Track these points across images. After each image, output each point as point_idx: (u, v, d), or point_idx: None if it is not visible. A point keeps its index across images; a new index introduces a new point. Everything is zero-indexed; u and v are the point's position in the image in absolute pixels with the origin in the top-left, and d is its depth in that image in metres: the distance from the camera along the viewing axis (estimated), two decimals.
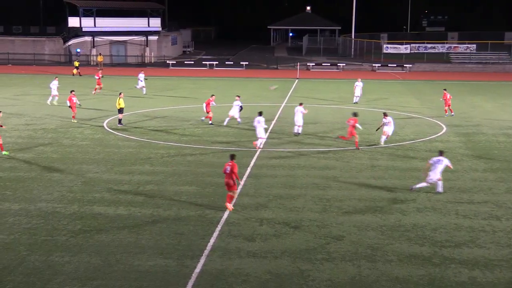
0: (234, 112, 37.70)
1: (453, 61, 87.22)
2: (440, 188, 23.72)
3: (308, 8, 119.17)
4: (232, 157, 21.45)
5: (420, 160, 29.00)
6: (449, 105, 42.59)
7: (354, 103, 48.24)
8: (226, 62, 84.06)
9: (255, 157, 29.46)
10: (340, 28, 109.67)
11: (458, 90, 57.59)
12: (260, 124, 31.32)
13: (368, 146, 32.16)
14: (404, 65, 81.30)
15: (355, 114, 31.75)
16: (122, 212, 21.13)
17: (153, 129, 36.38)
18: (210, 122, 38.00)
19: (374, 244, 18.48)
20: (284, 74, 73.17)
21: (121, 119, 37.33)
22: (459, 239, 18.95)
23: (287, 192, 23.70)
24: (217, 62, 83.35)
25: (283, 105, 47.32)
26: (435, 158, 23.74)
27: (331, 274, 16.41)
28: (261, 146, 31.63)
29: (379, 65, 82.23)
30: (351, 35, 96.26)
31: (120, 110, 37.28)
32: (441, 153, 24.14)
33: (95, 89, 52.17)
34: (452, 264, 17.06)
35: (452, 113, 42.43)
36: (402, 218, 20.77)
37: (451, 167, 24.23)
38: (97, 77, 52.91)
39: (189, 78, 69.18)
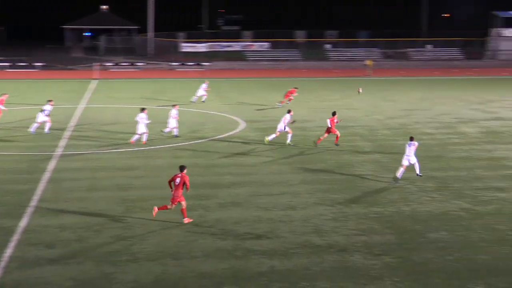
0: (41, 118, 35.54)
1: (248, 59, 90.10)
2: (418, 170, 25.47)
3: (105, 7, 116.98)
4: (182, 168, 20.22)
5: (222, 156, 29.70)
6: (288, 99, 46.19)
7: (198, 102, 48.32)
8: (20, 64, 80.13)
9: (55, 161, 28.45)
10: (138, 27, 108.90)
11: (253, 87, 59.79)
12: (142, 120, 31.78)
13: (171, 145, 32.33)
14: (202, 64, 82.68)
15: (333, 113, 32.09)
16: None
17: None
18: None
19: (179, 241, 18.63)
20: (82, 75, 71.34)
21: None
22: (260, 230, 19.68)
23: (89, 195, 23.18)
24: (9, 64, 79.23)
25: (83, 106, 46.12)
26: (408, 143, 25.34)
27: (136, 274, 16.32)
28: (145, 140, 32.15)
29: (178, 64, 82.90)
30: (149, 34, 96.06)
31: None
32: (411, 138, 25.64)
33: None
34: (253, 255, 17.68)
35: (280, 105, 45.69)
36: (205, 214, 21.13)
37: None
38: None
39: None
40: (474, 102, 49.42)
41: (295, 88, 47.76)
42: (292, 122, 32.79)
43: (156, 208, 20.20)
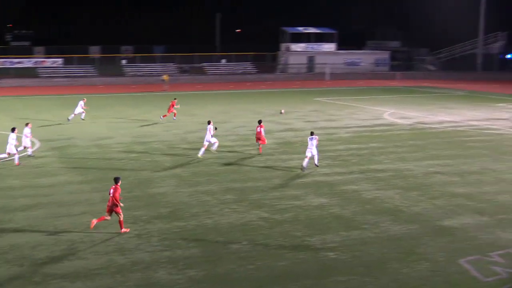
0: None
1: (41, 75, 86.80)
2: (316, 161, 30.33)
3: None
4: (116, 180, 20.89)
5: (15, 178, 28.24)
6: (172, 112, 47.21)
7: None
8: None
9: None
10: None
11: (48, 105, 57.67)
12: (12, 140, 30.91)
13: None
14: None
15: (260, 122, 34.75)
16: None
17: None
18: None
19: None
20: None
21: None
22: (59, 253, 18.93)
23: None
24: None
25: None
26: (309, 137, 30.10)
27: None
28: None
29: None
30: None
31: None
32: (312, 133, 30.72)
33: None
34: (53, 280, 16.96)
35: (163, 118, 47.33)
36: None
37: (317, 143, 30.53)
38: None
39: None
40: (268, 114, 51.49)
41: (174, 99, 48.76)
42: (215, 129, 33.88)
43: (94, 221, 20.85)
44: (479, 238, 20.63)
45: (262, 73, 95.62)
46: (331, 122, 47.30)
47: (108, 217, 20.84)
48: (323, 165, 31.58)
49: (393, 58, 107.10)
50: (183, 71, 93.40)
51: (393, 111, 54.16)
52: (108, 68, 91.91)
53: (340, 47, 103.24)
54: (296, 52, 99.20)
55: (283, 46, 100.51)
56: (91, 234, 20.71)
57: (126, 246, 19.69)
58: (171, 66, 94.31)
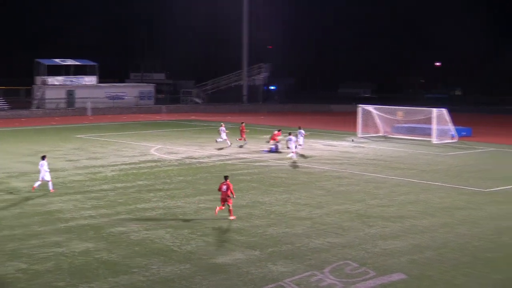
0: None
1: None
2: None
3: None
4: (226, 177, 27.98)
5: None
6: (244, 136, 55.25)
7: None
8: None
9: None
10: None
11: None
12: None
13: None
14: None
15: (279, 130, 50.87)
16: None
17: None
18: None
19: None
20: None
21: None
22: None
23: None
24: None
25: None
26: (287, 137, 43.73)
27: None
28: None
29: None
30: None
31: None
32: (290, 133, 46.28)
33: None
34: None
35: (246, 141, 55.59)
36: None
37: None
38: None
39: None
40: (25, 154, 49.53)
41: (242, 123, 56.69)
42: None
43: (217, 208, 27.96)
44: (251, 273, 21.42)
45: (16, 109, 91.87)
46: (95, 161, 46.64)
47: (223, 207, 27.87)
48: (88, 207, 31.00)
49: (158, 91, 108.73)
50: None
51: (160, 146, 54.79)
52: None
53: (102, 80, 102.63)
54: (54, 85, 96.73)
55: (39, 79, 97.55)
56: None
57: None
58: None
